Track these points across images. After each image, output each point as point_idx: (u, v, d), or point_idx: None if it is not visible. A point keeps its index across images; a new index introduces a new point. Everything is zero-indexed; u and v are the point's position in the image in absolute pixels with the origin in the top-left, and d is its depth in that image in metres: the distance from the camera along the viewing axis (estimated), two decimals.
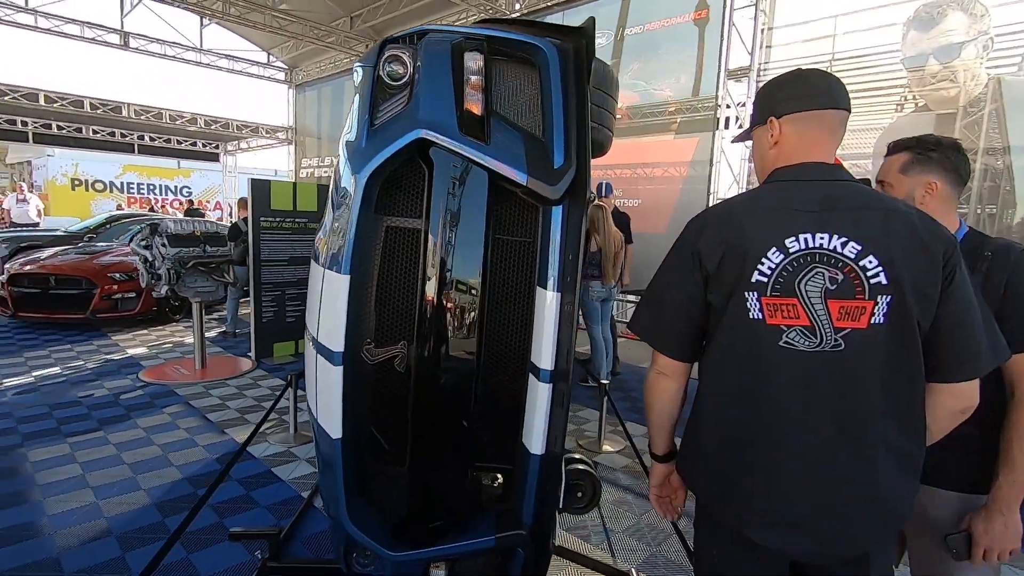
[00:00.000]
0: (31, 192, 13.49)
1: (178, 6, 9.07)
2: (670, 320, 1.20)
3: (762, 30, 5.46)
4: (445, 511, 1.49)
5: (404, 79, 1.51)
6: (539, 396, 1.37)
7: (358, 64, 1.59)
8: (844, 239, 1.06)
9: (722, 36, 5.62)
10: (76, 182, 20.20)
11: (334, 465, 1.41)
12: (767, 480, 1.10)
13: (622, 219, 5.55)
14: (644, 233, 6.05)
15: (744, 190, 5.83)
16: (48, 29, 9.48)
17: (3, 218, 12.99)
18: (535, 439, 1.39)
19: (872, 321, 1.05)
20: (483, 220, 1.38)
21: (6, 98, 9.97)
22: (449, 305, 1.37)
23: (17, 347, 5.88)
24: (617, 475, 3.43)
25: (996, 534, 1.23)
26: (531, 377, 1.41)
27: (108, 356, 5.68)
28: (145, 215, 10.73)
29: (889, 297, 1.04)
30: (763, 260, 1.08)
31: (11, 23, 9.16)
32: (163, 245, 4.81)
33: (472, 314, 1.39)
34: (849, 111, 1.18)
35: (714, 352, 1.17)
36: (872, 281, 1.04)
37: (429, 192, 1.42)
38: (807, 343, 1.06)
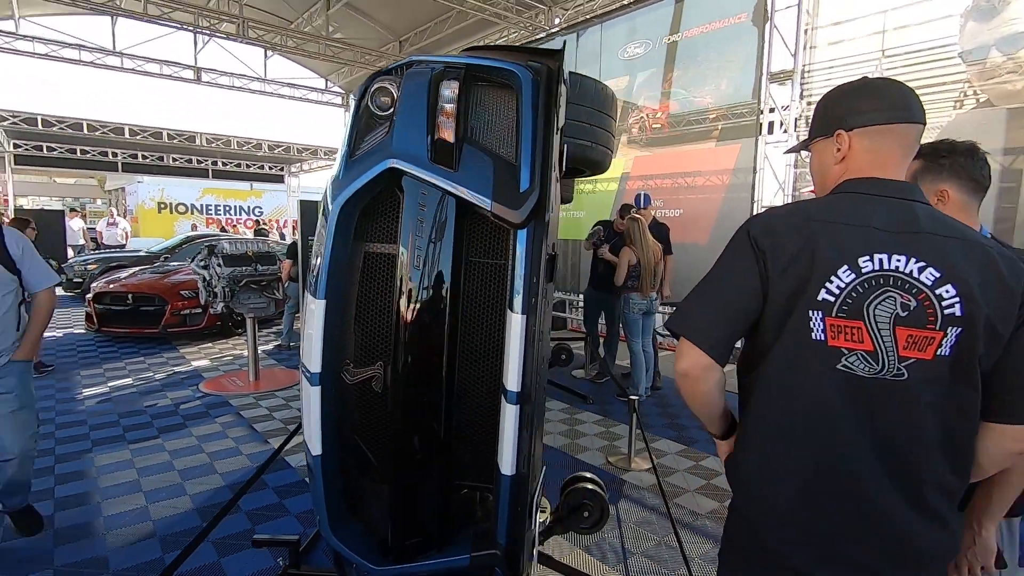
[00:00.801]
0: (120, 216, 14.84)
1: (244, 42, 9.76)
2: (720, 317, 1.10)
3: (805, 30, 5.24)
4: (425, 529, 1.52)
5: (390, 110, 1.58)
6: (507, 417, 1.38)
7: (352, 95, 1.68)
8: (922, 264, 0.99)
9: (762, 38, 5.44)
10: (162, 205, 22.02)
11: (315, 480, 1.48)
12: (826, 518, 1.04)
13: (661, 230, 5.45)
14: (686, 243, 5.91)
15: (790, 198, 5.58)
16: (132, 69, 10.46)
17: (97, 240, 14.34)
18: (505, 460, 1.40)
19: (938, 353, 0.99)
20: (454, 244, 1.42)
21: (97, 133, 11.03)
22: (423, 327, 1.41)
23: (98, 359, 6.45)
24: (644, 494, 3.35)
25: (965, 548, 1.22)
26: (502, 398, 1.42)
27: (174, 368, 6.12)
28: (215, 235, 11.53)
29: (959, 330, 0.98)
30: (832, 278, 1.01)
31: (101, 66, 10.17)
32: (219, 265, 5.17)
33: (447, 335, 1.43)
34: (925, 124, 1.09)
35: (764, 369, 1.09)
36: (946, 312, 0.98)
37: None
38: (866, 368, 1.00)
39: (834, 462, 1.03)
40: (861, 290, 1.00)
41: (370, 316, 1.51)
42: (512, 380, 1.37)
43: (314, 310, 1.43)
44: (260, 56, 12.12)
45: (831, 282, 1.01)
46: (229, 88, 11.87)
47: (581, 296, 6.80)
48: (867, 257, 1.01)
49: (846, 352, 1.01)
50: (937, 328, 0.98)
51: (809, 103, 5.37)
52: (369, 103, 1.60)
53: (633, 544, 2.81)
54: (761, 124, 5.61)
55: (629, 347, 5.11)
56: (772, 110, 5.64)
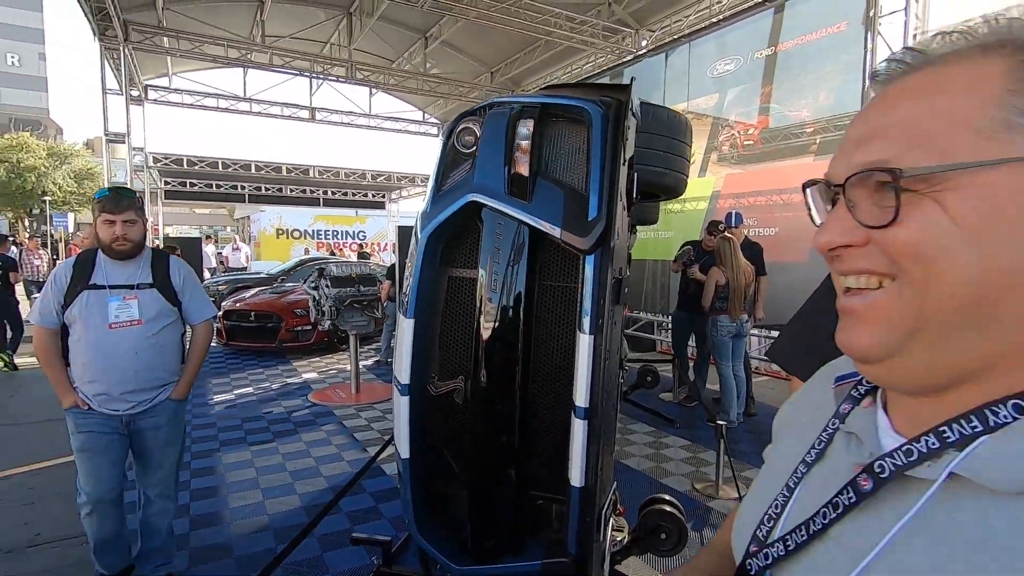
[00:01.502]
0: (242, 242, 16.65)
1: (352, 82, 10.73)
2: (822, 348, 1.07)
3: (914, 35, 4.88)
4: (501, 533, 1.63)
5: (473, 147, 1.76)
6: (576, 432, 1.47)
7: (443, 129, 1.88)
8: None
9: (866, 47, 5.14)
10: (280, 231, 24.34)
11: (404, 482, 1.64)
12: None
13: (754, 250, 5.26)
14: (782, 263, 5.65)
15: None
16: (258, 112, 11.82)
17: (224, 263, 16.16)
18: (575, 472, 1.48)
19: None
20: (528, 269, 1.54)
21: (229, 169, 12.52)
22: (499, 345, 1.54)
23: (226, 369, 7.27)
24: None
25: None
26: (572, 414, 1.51)
27: (287, 379, 6.76)
28: (324, 258, 12.59)
29: None
30: None
31: (234, 111, 11.60)
32: (327, 286, 5.69)
33: (520, 353, 1.55)
34: None
35: None
36: None
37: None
38: None
39: None
40: None
41: (453, 334, 1.66)
42: (580, 396, 1.45)
43: (404, 328, 1.61)
44: (366, 94, 13.21)
45: None
46: (339, 124, 13.03)
47: (669, 317, 6.66)
48: None
49: None
50: None
51: None
52: (455, 142, 1.79)
53: None
54: None
55: (718, 371, 4.95)
56: None
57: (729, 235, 5.00)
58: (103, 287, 2.28)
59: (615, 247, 1.46)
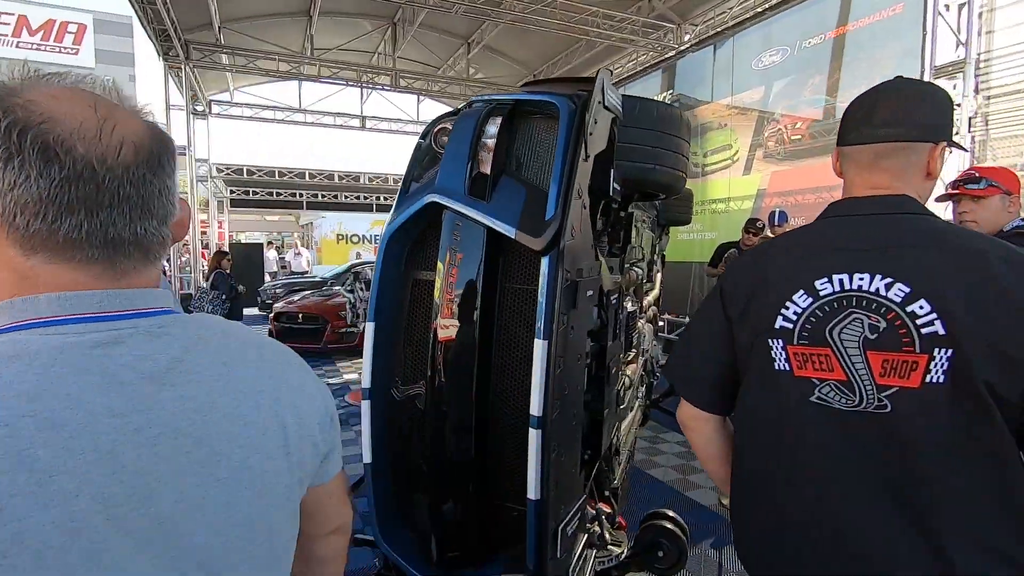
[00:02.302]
0: (303, 247, 17.42)
1: (397, 90, 11.00)
2: (696, 365, 1.12)
3: (980, 14, 4.44)
4: (464, 543, 1.58)
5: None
6: (531, 442, 1.40)
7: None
8: (889, 280, 0.88)
9: (924, 30, 4.73)
10: (340, 236, 25.34)
11: (368, 486, 1.63)
12: (817, 564, 0.93)
13: None
14: None
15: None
16: (312, 123, 12.34)
17: (287, 267, 16.95)
18: (531, 484, 1.41)
19: (928, 380, 0.84)
20: (485, 271, 1.49)
21: (285, 177, 13.12)
22: (454, 349, 1.50)
23: None
24: None
25: None
26: (529, 423, 1.45)
27: (329, 379, 6.97)
28: (371, 262, 12.95)
29: (949, 352, 0.83)
30: (788, 304, 0.95)
31: (290, 122, 12.17)
32: (361, 289, 5.82)
33: (477, 358, 1.50)
34: (924, 138, 0.95)
35: (740, 407, 1.06)
36: (924, 332, 0.84)
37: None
38: (843, 400, 0.90)
39: (821, 512, 0.92)
40: (821, 314, 0.92)
41: (417, 338, 1.63)
42: (534, 405, 1.38)
43: (368, 332, 1.59)
44: (414, 102, 13.51)
45: (787, 308, 0.95)
46: (388, 132, 13.40)
47: None
48: (824, 279, 0.93)
49: (817, 382, 0.92)
50: (917, 351, 0.85)
51: (988, 98, 4.53)
52: (432, 143, 1.76)
53: None
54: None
55: None
56: None
57: (771, 235, 4.73)
58: None
59: (569, 248, 1.38)
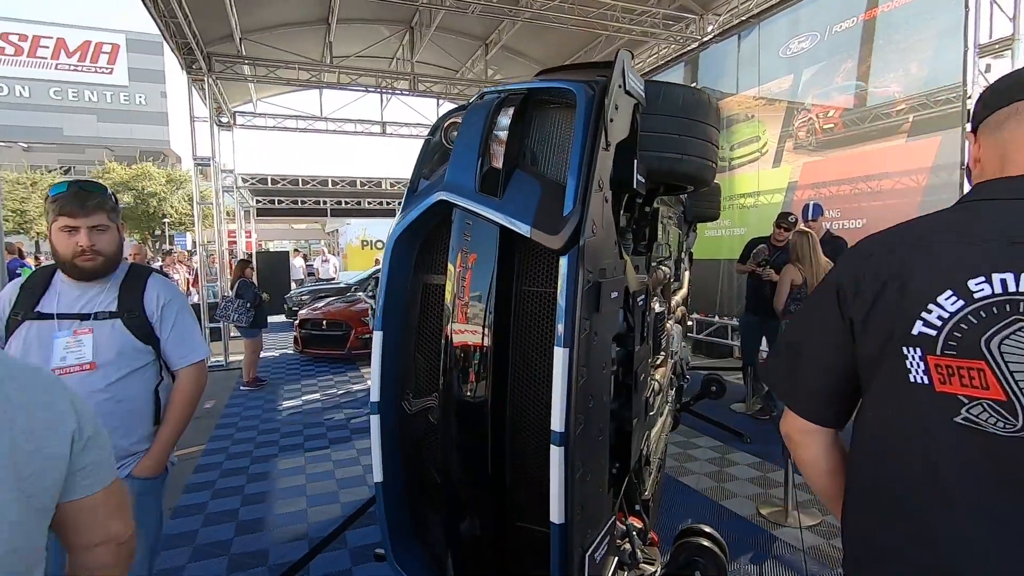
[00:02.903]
0: (330, 254, 17.62)
1: (416, 95, 10.99)
2: (806, 373, 0.99)
3: None
4: (483, 565, 1.47)
5: None
6: (554, 461, 1.27)
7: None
8: None
9: (967, 6, 4.45)
10: (364, 243, 25.64)
11: (379, 506, 1.52)
12: None
13: (836, 245, 4.70)
14: None
15: None
16: (334, 130, 12.43)
17: (315, 274, 17.15)
18: (554, 507, 1.29)
19: None
20: (498, 273, 1.38)
21: (308, 185, 13.25)
22: (466, 359, 1.38)
23: (298, 376, 7.62)
24: (800, 558, 2.83)
25: None
26: (551, 440, 1.32)
27: (353, 386, 6.95)
28: None
29: None
30: (932, 306, 0.80)
31: (312, 130, 12.27)
32: None
33: (491, 368, 1.38)
34: None
35: (861, 424, 0.93)
36: None
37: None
38: (1000, 423, 0.76)
39: (955, 554, 0.79)
40: (976, 320, 0.77)
41: (428, 347, 1.52)
42: (556, 420, 1.26)
43: (376, 342, 1.49)
44: (433, 105, 13.49)
45: (929, 312, 0.80)
46: (408, 137, 13.40)
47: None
48: (982, 279, 0.77)
49: (966, 401, 0.78)
50: None
51: None
52: (443, 139, 1.66)
53: None
54: (969, 111, 4.55)
55: None
56: None
57: (807, 228, 4.50)
58: (50, 316, 1.68)
59: (590, 245, 1.25)
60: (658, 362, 2.60)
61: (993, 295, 0.76)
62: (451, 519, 1.45)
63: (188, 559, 2.94)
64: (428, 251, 1.57)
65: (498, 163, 1.44)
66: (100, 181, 2.56)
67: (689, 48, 7.88)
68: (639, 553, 1.99)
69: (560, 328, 1.26)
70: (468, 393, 1.39)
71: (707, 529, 2.16)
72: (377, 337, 1.47)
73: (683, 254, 3.72)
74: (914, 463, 0.83)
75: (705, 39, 7.53)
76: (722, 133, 6.58)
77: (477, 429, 1.37)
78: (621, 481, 1.74)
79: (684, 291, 3.80)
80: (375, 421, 1.49)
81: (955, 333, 0.78)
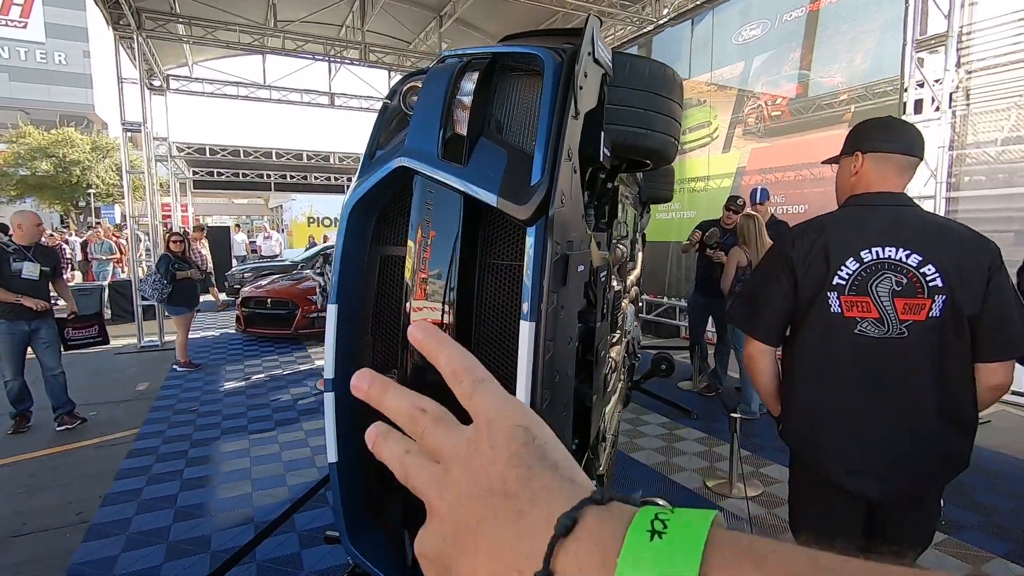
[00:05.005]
0: (273, 230, 16.87)
1: (367, 65, 10.57)
2: (766, 313, 1.53)
3: None
4: None
5: None
6: None
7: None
8: (908, 251, 1.37)
9: (907, 2, 4.64)
10: (311, 219, 24.72)
11: (334, 487, 1.46)
12: (847, 440, 1.43)
13: (780, 228, 4.87)
14: None
15: (944, 186, 4.67)
16: (279, 100, 11.81)
17: (257, 251, 16.40)
18: None
19: (930, 315, 1.36)
20: (462, 244, 1.32)
21: (251, 157, 12.58)
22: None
23: (241, 357, 7.30)
24: (742, 526, 2.96)
25: None
26: None
27: (299, 367, 6.72)
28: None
29: (944, 297, 1.35)
30: (842, 267, 1.40)
31: (255, 98, 11.61)
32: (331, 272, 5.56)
33: (461, 342, 1.33)
34: (920, 159, 1.50)
35: (801, 339, 1.50)
36: (930, 284, 1.35)
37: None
38: (877, 331, 1.39)
39: (850, 399, 1.42)
40: (865, 274, 1.39)
41: (387, 322, 1.46)
42: (521, 394, 1.22)
43: (331, 315, 1.41)
44: (385, 78, 13.04)
45: (841, 270, 1.41)
46: (358, 109, 12.92)
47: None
48: (867, 250, 1.40)
49: (859, 320, 1.40)
50: (925, 296, 1.35)
51: (969, 72, 4.48)
52: (401, 104, 1.57)
53: None
54: (905, 103, 4.78)
55: (739, 361, 4.62)
56: (921, 84, 4.78)
57: (753, 212, 4.64)
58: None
59: (559, 216, 1.21)
60: (614, 340, 2.62)
61: (874, 259, 1.38)
62: (410, 499, 1.41)
63: (121, 548, 2.77)
64: (386, 221, 1.49)
65: (462, 129, 1.37)
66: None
67: (644, 31, 7.91)
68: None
69: (526, 302, 1.22)
70: (429, 370, 1.33)
71: (660, 502, 2.21)
72: (332, 310, 1.39)
73: (637, 235, 3.75)
74: (829, 357, 1.43)
75: (660, 22, 7.57)
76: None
77: (453, 406, 1.32)
78: (582, 456, 1.73)
79: (638, 271, 3.84)
80: (329, 399, 1.42)
81: (855, 282, 1.39)
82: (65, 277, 6.04)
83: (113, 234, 13.22)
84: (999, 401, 1.70)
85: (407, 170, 1.38)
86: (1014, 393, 4.31)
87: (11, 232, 4.53)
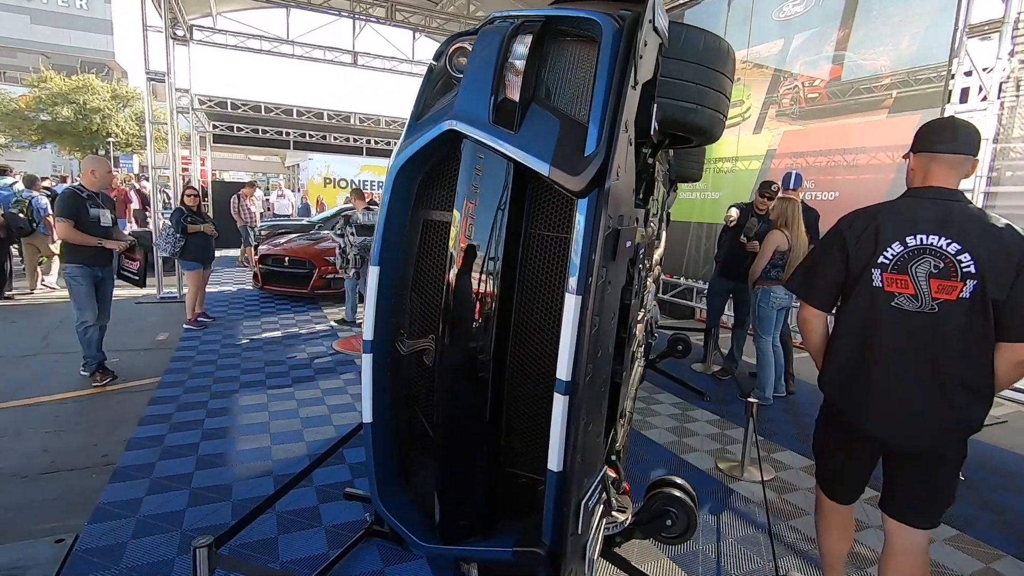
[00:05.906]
0: (287, 189, 16.84)
1: (392, 24, 10.36)
2: (820, 282, 1.79)
3: None
4: (471, 511, 1.45)
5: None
6: (557, 409, 1.24)
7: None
8: (949, 240, 1.59)
9: None
10: (328, 180, 24.65)
11: (367, 448, 1.48)
12: (878, 395, 1.68)
13: (809, 216, 4.76)
14: None
15: (985, 181, 4.53)
16: (301, 56, 11.64)
17: (271, 209, 16.42)
18: (553, 455, 1.27)
19: (960, 296, 1.57)
20: (510, 213, 1.30)
21: (272, 113, 12.48)
22: (469, 302, 1.32)
23: (259, 313, 7.38)
24: (753, 509, 2.99)
25: None
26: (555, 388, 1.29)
27: (316, 326, 6.79)
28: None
29: (975, 282, 1.55)
30: (888, 249, 1.65)
31: (277, 53, 11.46)
32: (352, 234, 5.57)
33: (496, 313, 1.33)
34: (971, 155, 1.66)
35: (847, 307, 1.76)
36: (964, 269, 1.56)
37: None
38: (911, 305, 1.63)
39: (882, 359, 1.68)
40: (907, 256, 1.63)
41: (427, 286, 1.45)
42: (563, 368, 1.22)
43: (372, 278, 1.40)
44: (409, 39, 12.79)
45: (887, 251, 1.65)
46: (381, 70, 12.72)
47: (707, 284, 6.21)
48: (912, 236, 1.63)
49: (897, 295, 1.65)
50: (958, 280, 1.56)
51: (1023, 61, 4.29)
52: (447, 65, 1.53)
53: (732, 562, 2.52)
54: (951, 91, 4.61)
55: (757, 344, 4.58)
56: (968, 73, 4.59)
57: (790, 195, 4.50)
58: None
59: (613, 189, 1.18)
60: (639, 318, 2.61)
61: (918, 245, 1.61)
62: (443, 463, 1.42)
63: (146, 492, 2.85)
64: (429, 184, 1.47)
65: (514, 94, 1.34)
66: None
67: (679, 2, 7.65)
68: (614, 501, 2.02)
69: (574, 276, 1.21)
70: (468, 338, 1.33)
71: (679, 481, 2.23)
72: (373, 272, 1.39)
73: (664, 212, 3.69)
74: (867, 324, 1.69)
75: None
76: None
77: (476, 375, 1.32)
78: (609, 432, 1.74)
79: (662, 250, 3.79)
80: (367, 360, 1.43)
81: (897, 262, 1.64)
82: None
83: (132, 185, 13.15)
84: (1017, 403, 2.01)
85: (455, 133, 1.35)
86: None
87: (79, 178, 4.57)
